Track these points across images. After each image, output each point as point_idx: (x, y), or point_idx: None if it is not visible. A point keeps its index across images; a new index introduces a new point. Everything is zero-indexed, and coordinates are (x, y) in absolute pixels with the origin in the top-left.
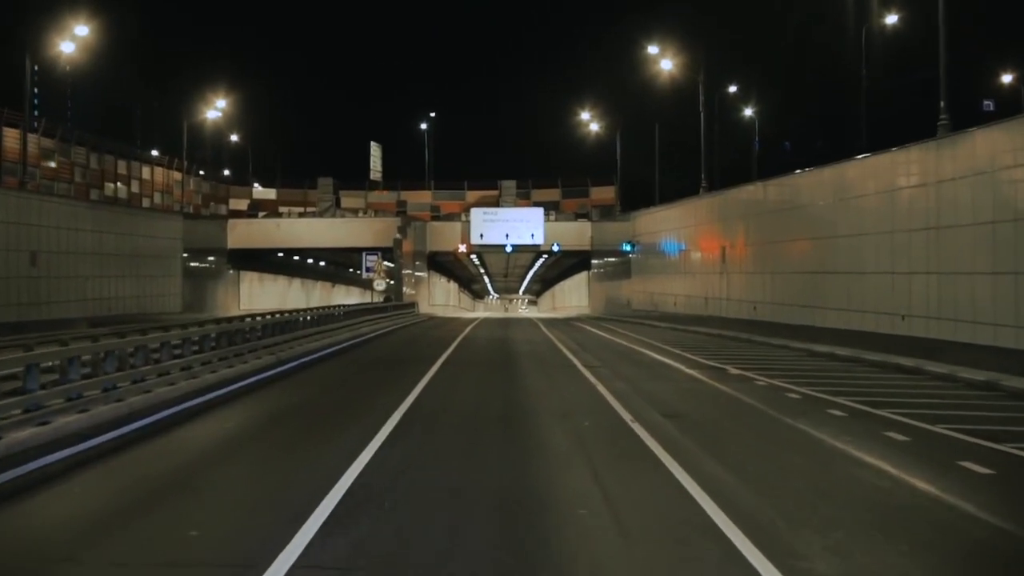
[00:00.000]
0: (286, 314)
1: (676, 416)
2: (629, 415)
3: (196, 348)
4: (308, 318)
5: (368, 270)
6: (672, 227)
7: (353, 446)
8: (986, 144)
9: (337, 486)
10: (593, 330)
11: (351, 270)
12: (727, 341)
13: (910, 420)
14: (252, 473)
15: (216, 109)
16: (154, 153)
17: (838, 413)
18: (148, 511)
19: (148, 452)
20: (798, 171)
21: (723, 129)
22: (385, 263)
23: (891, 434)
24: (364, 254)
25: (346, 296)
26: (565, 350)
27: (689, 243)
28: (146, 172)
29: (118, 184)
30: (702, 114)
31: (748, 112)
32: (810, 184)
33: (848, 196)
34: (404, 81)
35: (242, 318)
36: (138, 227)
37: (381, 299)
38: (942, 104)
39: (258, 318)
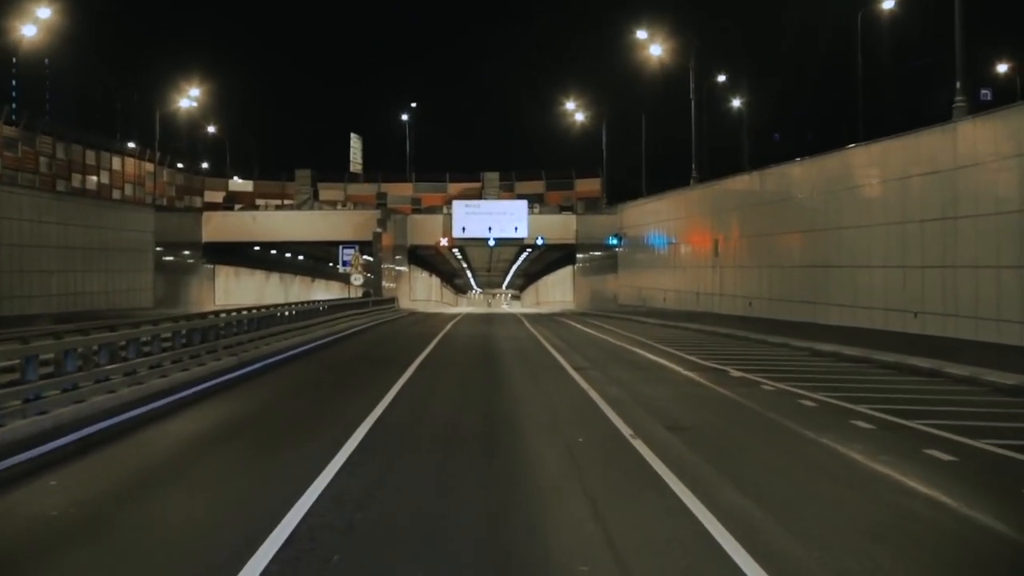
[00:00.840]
0: (255, 311)
1: (681, 429)
2: (628, 428)
3: (146, 350)
4: (281, 314)
5: (345, 264)
6: (661, 219)
7: (306, 472)
8: (1011, 126)
9: (278, 530)
10: (579, 326)
11: (331, 264)
12: (722, 339)
13: (948, 434)
14: (177, 513)
15: (190, 98)
16: (131, 145)
17: (864, 425)
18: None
19: (75, 473)
20: (797, 160)
21: (711, 121)
22: (365, 257)
23: (933, 452)
24: (341, 248)
25: (326, 291)
26: (551, 348)
27: (679, 236)
28: (116, 163)
29: (86, 175)
30: (693, 102)
31: (736, 103)
32: (810, 173)
33: (853, 185)
34: (385, 72)
35: (205, 315)
36: (107, 219)
37: (360, 294)
38: (958, 85)
39: (222, 315)
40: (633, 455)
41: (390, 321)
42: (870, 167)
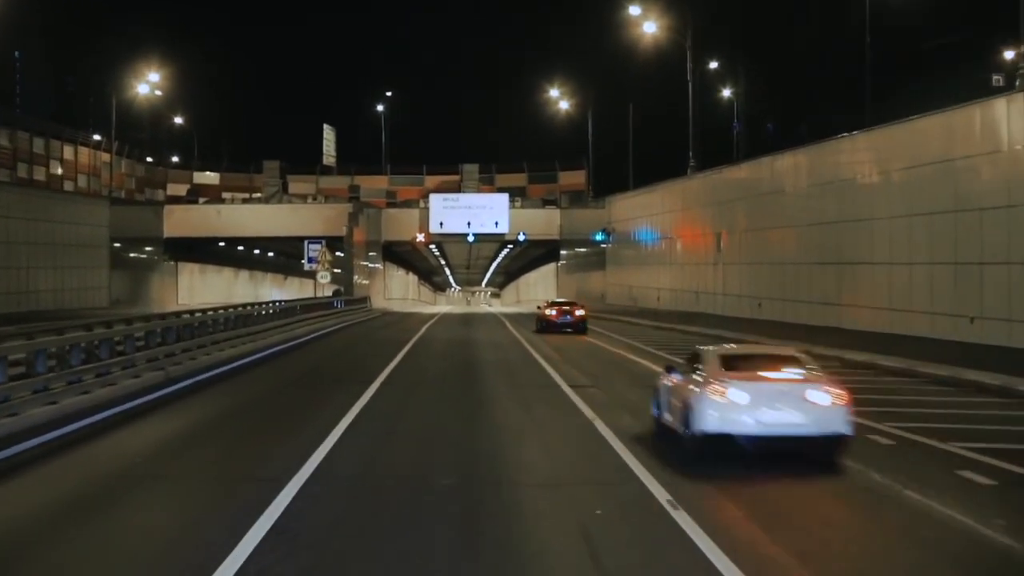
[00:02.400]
0: (187, 316)
1: (735, 493)
2: (663, 489)
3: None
4: (225, 319)
5: (311, 261)
6: (654, 213)
7: None
8: None
9: None
10: (567, 329)
11: (303, 261)
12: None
13: None
14: None
15: (148, 83)
16: (96, 137)
17: (980, 479)
18: None
19: None
20: (820, 142)
21: (702, 110)
22: (338, 253)
23: None
24: (307, 243)
25: (299, 290)
26: (540, 358)
27: (675, 230)
28: (68, 152)
29: (34, 164)
30: (690, 83)
31: (727, 93)
32: (834, 156)
33: (890, 169)
34: (359, 60)
35: (130, 320)
36: (55, 212)
37: (330, 293)
38: (1023, 50)
39: (136, 324)
40: (682, 544)
41: (360, 323)
42: (910, 148)
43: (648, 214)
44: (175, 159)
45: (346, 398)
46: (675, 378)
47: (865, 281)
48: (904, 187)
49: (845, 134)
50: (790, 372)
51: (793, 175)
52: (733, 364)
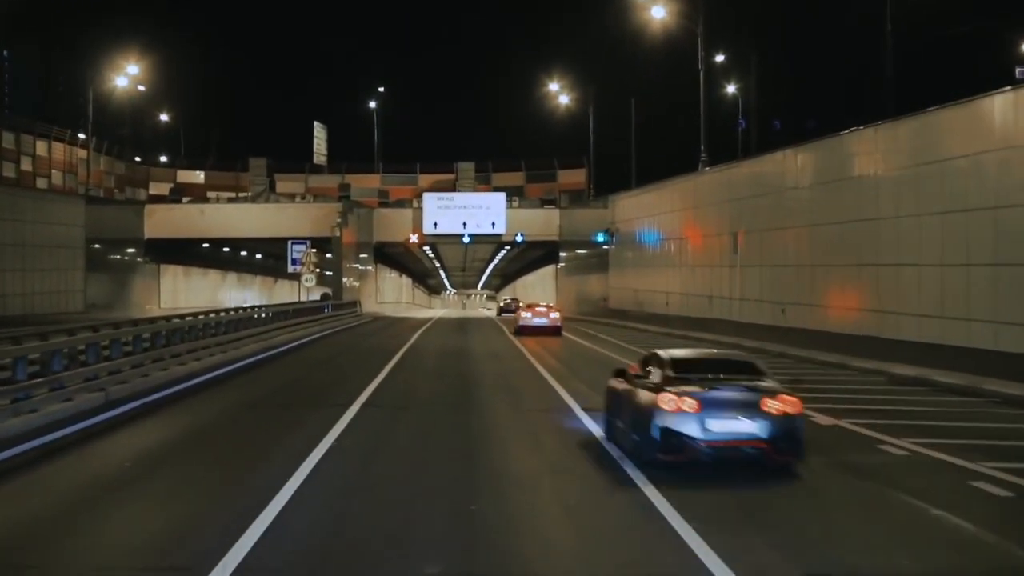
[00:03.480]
0: (147, 324)
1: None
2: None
3: None
4: (191, 328)
5: (295, 263)
6: (662, 211)
7: None
8: None
9: None
10: (570, 336)
11: (318, 269)
12: (755, 355)
13: None
14: None
15: (127, 75)
16: (81, 136)
17: None
18: None
19: None
20: (853, 129)
21: (707, 107)
22: (327, 255)
23: None
24: (291, 244)
25: (290, 293)
26: (545, 371)
27: (685, 230)
28: (41, 147)
29: (2, 160)
30: (701, 71)
31: (732, 89)
32: (870, 145)
33: (942, 158)
34: (351, 56)
35: (72, 330)
36: (24, 211)
37: (317, 296)
38: None
39: (80, 335)
40: None
41: (347, 329)
42: (965, 133)
43: (655, 213)
44: (163, 159)
45: (315, 428)
46: (626, 384)
47: (910, 285)
48: (956, 178)
49: (880, 122)
50: (744, 380)
51: (822, 167)
52: (686, 369)
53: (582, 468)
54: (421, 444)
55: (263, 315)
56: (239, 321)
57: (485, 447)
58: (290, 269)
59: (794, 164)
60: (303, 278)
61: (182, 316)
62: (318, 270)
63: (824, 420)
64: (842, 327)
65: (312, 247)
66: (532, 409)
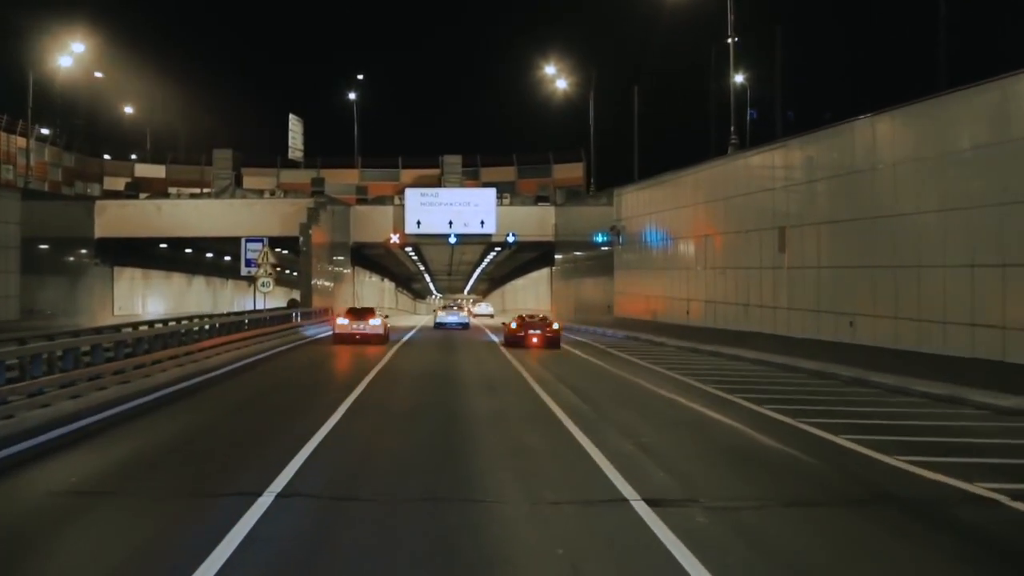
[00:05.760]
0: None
1: None
2: None
3: None
4: (49, 352)
5: (249, 264)
6: (679, 205)
7: None
8: None
9: None
10: (580, 353)
11: (278, 268)
12: (831, 383)
13: None
14: None
15: (71, 54)
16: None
17: None
18: None
19: None
20: (955, 89)
21: (712, 102)
22: (297, 252)
23: None
24: (244, 242)
25: (269, 297)
26: (562, 413)
27: (710, 226)
28: None
29: None
30: (731, 42)
31: (740, 79)
32: (979, 111)
33: None
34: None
35: None
36: None
37: (285, 303)
38: None
39: None
40: None
41: (310, 343)
42: None
43: (671, 207)
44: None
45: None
46: None
47: None
48: None
49: (996, 77)
50: None
51: (917, 139)
52: None
53: None
54: None
55: (207, 327)
56: (160, 338)
57: None
58: (243, 272)
59: (869, 136)
60: (259, 282)
61: (76, 333)
62: (281, 270)
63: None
64: (943, 347)
65: (280, 248)
66: (561, 501)
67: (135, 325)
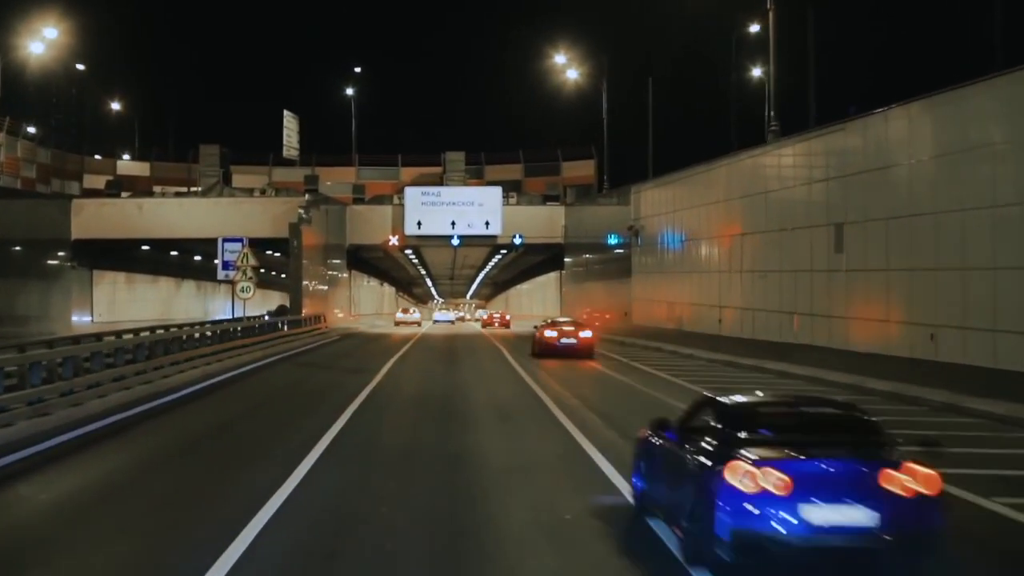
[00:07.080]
0: None
1: None
2: None
3: None
4: None
5: (227, 267)
6: (708, 201)
7: None
8: None
9: None
10: (604, 369)
11: (261, 270)
12: (921, 410)
13: None
14: None
15: (43, 40)
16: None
17: None
18: None
19: None
20: None
21: (722, 94)
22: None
23: None
24: (222, 242)
25: (263, 302)
26: (603, 461)
27: (745, 224)
28: None
29: None
30: (771, 13)
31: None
32: None
33: None
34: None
35: None
36: None
37: (273, 309)
38: None
39: None
40: None
41: (300, 354)
42: None
43: (698, 204)
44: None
45: None
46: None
47: None
48: None
49: None
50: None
51: (1015, 116)
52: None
53: None
54: None
55: (175, 339)
56: (107, 354)
57: None
58: (220, 275)
59: (954, 108)
60: (238, 287)
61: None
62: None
63: None
64: None
65: (271, 250)
66: None
67: (86, 337)
